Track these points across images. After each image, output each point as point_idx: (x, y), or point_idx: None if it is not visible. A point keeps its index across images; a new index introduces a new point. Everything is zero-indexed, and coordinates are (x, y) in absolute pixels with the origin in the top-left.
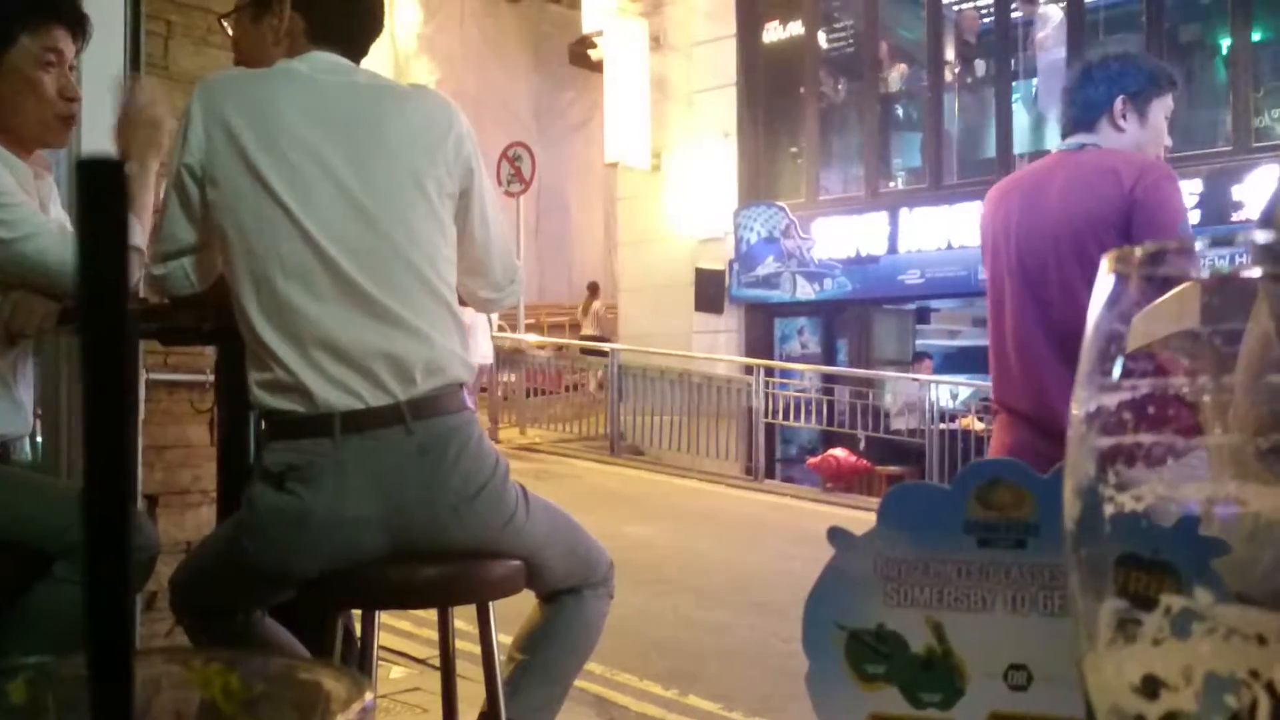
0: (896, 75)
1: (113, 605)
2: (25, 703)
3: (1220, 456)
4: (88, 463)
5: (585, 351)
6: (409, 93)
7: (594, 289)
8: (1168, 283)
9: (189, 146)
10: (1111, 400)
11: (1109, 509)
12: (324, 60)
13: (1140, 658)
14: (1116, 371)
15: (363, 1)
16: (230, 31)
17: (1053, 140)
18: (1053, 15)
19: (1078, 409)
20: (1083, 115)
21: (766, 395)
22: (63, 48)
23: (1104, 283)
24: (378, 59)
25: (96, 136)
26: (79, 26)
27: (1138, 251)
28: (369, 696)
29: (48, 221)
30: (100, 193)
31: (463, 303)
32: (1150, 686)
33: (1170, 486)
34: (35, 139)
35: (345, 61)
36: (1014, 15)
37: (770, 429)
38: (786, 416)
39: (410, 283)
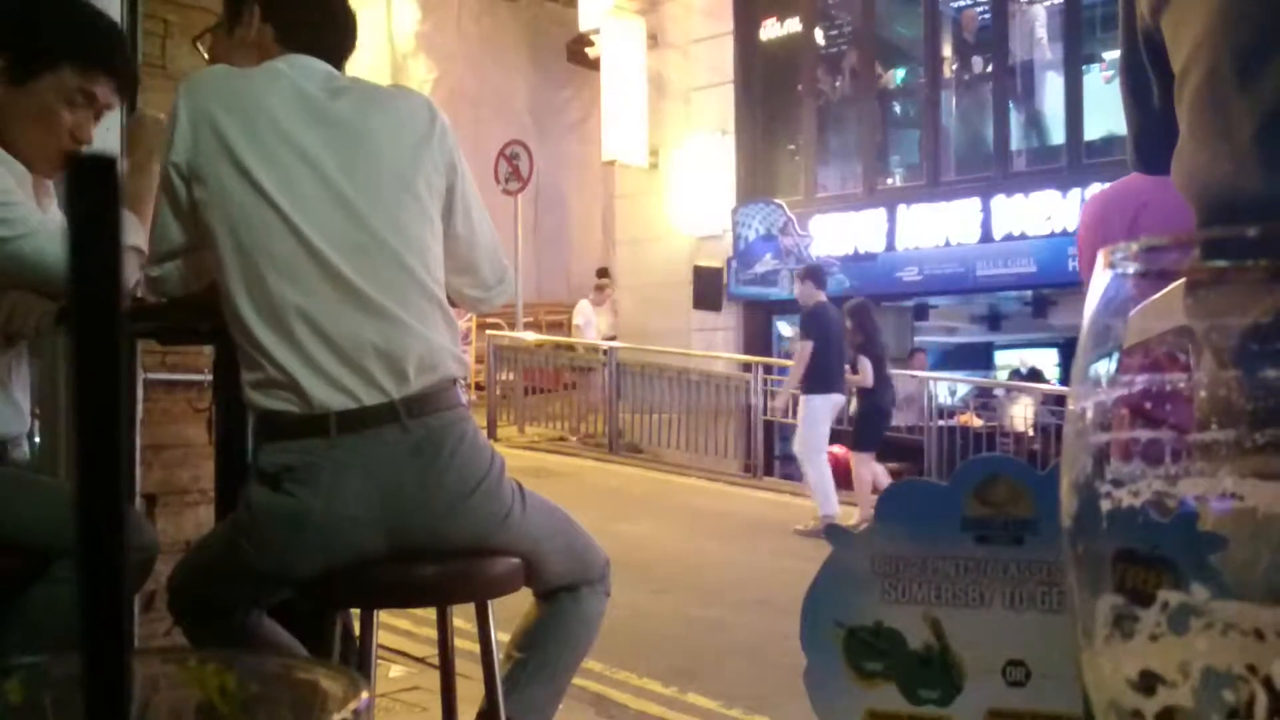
0: (894, 72)
1: (107, 606)
2: (22, 702)
3: (1217, 452)
4: (79, 460)
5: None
6: (390, 93)
7: (603, 273)
8: (1164, 278)
9: (175, 145)
10: (1108, 396)
11: (1106, 505)
12: (304, 62)
13: (1138, 653)
14: (1113, 367)
15: (328, 10)
16: (206, 55)
17: (1051, 136)
18: (1050, 12)
19: (1074, 404)
20: None
21: (765, 392)
22: (98, 93)
23: (1100, 278)
24: (375, 59)
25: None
26: (126, 85)
27: (1134, 246)
28: (365, 695)
29: (46, 221)
30: (93, 191)
31: (453, 303)
32: (1148, 682)
33: (1167, 482)
34: (29, 164)
35: (325, 65)
36: (1011, 11)
37: (769, 426)
38: (785, 414)
39: (402, 280)
